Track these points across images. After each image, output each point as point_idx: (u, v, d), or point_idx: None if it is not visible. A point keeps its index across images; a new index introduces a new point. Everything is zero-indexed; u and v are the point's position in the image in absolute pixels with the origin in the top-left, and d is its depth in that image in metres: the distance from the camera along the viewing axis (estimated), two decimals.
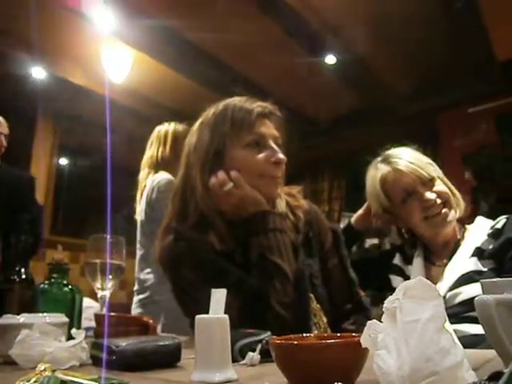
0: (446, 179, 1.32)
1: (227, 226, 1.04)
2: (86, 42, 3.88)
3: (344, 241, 1.21)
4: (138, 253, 2.03)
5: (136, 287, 1.98)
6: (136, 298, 1.96)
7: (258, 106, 1.08)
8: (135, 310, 1.93)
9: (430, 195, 1.24)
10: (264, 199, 1.05)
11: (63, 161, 5.45)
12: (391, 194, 1.30)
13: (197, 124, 1.13)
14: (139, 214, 2.03)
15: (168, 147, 2.02)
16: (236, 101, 1.10)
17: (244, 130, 1.05)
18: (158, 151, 2.03)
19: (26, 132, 4.38)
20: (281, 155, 1.06)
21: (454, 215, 1.26)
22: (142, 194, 2.02)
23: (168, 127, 2.09)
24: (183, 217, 1.07)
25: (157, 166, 2.01)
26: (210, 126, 1.09)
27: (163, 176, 1.94)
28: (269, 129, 1.08)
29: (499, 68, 4.15)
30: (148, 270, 1.93)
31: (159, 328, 1.78)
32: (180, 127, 2.07)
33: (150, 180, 1.97)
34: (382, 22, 3.66)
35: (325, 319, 1.05)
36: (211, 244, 1.01)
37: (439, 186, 1.27)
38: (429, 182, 1.26)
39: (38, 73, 4.16)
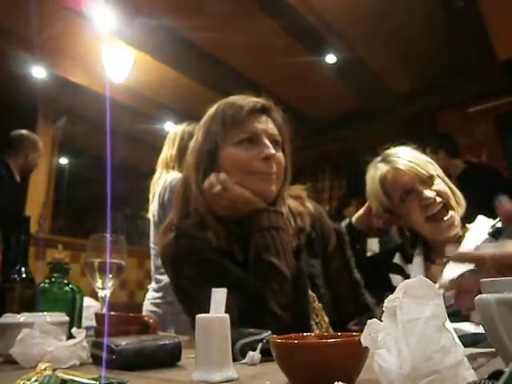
0: (446, 178, 1.32)
1: (224, 226, 1.03)
2: (86, 41, 3.88)
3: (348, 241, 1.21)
4: (152, 252, 2.05)
5: (152, 284, 2.01)
6: (150, 294, 1.98)
7: (249, 102, 1.06)
8: (148, 307, 1.95)
9: (429, 193, 1.24)
10: (257, 197, 1.03)
11: (63, 160, 5.45)
12: (391, 193, 1.30)
13: (197, 126, 1.14)
14: (152, 214, 2.04)
15: (176, 148, 2.05)
16: (229, 99, 1.09)
17: (235, 128, 1.04)
18: (168, 152, 2.08)
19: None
20: (271, 150, 1.03)
21: (458, 219, 1.25)
22: (154, 194, 2.05)
23: (178, 129, 2.13)
24: (185, 216, 1.08)
25: (167, 166, 2.04)
26: (204, 126, 1.09)
27: (174, 176, 1.96)
28: (261, 124, 1.05)
29: (499, 67, 4.15)
30: (162, 270, 1.94)
31: (173, 329, 1.79)
32: (188, 128, 2.10)
33: (162, 180, 2.00)
34: (382, 21, 3.66)
35: (326, 319, 1.05)
36: (211, 242, 1.01)
37: (439, 185, 1.27)
38: (428, 181, 1.26)
39: (38, 72, 4.16)
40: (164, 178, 1.99)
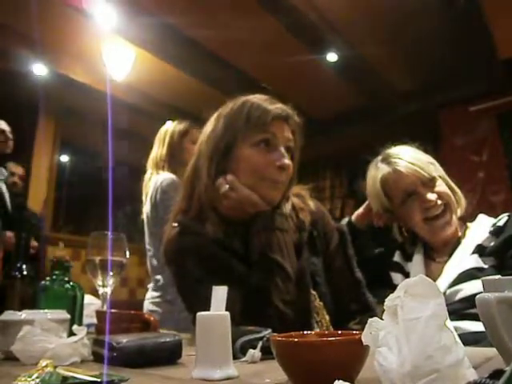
0: (447, 177, 1.32)
1: (225, 222, 1.04)
2: (87, 38, 3.87)
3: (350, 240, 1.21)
4: (148, 253, 2.04)
5: (151, 284, 2.01)
6: (149, 294, 1.98)
7: (276, 107, 1.07)
8: (148, 306, 1.95)
9: (430, 196, 1.23)
10: (262, 201, 1.04)
11: (64, 158, 5.45)
12: (392, 195, 1.29)
13: (215, 114, 1.13)
14: (145, 214, 2.04)
15: (165, 147, 2.03)
16: (256, 98, 1.10)
17: (257, 129, 1.05)
18: (158, 151, 2.05)
19: (28, 129, 4.38)
20: (286, 160, 1.05)
21: (455, 219, 1.25)
22: (147, 195, 2.04)
23: (168, 127, 2.11)
24: (187, 206, 1.08)
25: (157, 166, 2.03)
26: (225, 118, 1.09)
27: (165, 176, 1.95)
28: (282, 132, 1.07)
29: (501, 66, 4.14)
30: (159, 269, 1.94)
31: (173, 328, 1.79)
32: (179, 126, 2.08)
33: (153, 180, 1.99)
34: (383, 19, 3.65)
35: (327, 317, 1.05)
36: (208, 232, 1.02)
37: (440, 186, 1.27)
38: (429, 182, 1.25)
39: (39, 70, 4.16)
40: (155, 180, 1.98)
